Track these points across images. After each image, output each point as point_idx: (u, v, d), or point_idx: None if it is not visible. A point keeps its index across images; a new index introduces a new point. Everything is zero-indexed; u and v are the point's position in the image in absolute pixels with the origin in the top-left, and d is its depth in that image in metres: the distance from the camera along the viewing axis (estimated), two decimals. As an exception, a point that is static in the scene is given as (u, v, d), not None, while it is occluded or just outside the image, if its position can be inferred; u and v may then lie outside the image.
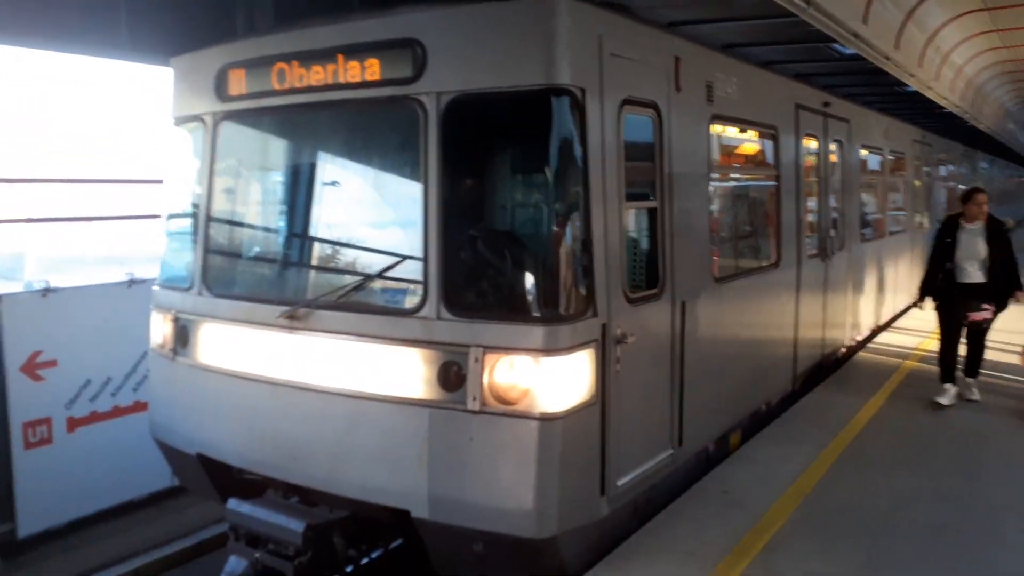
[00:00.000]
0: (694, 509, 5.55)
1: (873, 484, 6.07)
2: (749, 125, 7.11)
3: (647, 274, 5.36)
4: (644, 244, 5.38)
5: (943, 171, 17.40)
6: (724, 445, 6.66)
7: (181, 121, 5.96)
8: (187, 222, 5.86)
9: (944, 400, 7.88)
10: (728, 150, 7.08)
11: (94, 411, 8.63)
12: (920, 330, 11.17)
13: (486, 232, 4.84)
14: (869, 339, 11.19)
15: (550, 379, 4.40)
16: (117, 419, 8.79)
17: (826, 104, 9.02)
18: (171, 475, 8.37)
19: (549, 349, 4.39)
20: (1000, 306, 7.78)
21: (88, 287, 8.78)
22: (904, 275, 12.37)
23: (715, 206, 6.26)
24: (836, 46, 8.30)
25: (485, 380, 4.46)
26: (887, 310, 11.87)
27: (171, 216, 6.21)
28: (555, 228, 4.63)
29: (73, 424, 8.41)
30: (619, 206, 4.85)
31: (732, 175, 7.22)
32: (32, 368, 7.98)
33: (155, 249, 6.61)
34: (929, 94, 12.55)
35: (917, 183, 14.08)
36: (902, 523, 5.41)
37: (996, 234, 7.71)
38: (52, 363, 8.08)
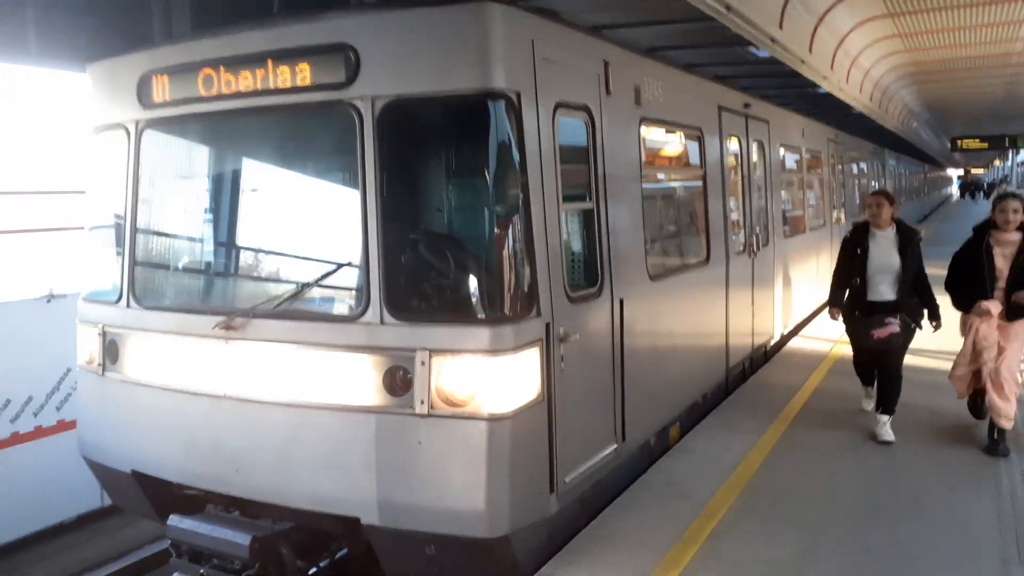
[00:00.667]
0: (641, 501, 5.64)
1: (809, 468, 6.27)
2: (676, 127, 7.26)
3: (586, 273, 5.41)
4: (582, 244, 5.42)
5: (855, 168, 18.12)
6: (665, 438, 6.78)
7: (101, 129, 5.70)
8: (112, 233, 5.63)
9: (870, 405, 7.31)
10: (657, 151, 7.22)
11: (15, 432, 8.28)
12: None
13: (427, 235, 4.81)
14: (797, 330, 11.56)
15: (497, 380, 4.40)
16: (41, 440, 8.45)
17: (747, 105, 9.29)
18: (101, 495, 8.09)
19: (495, 350, 4.39)
20: (909, 325, 6.71)
21: (4, 304, 8.40)
22: (825, 267, 12.80)
23: (647, 205, 6.36)
24: (753, 49, 8.57)
25: (432, 383, 4.42)
26: (812, 301, 12.28)
27: (95, 227, 5.94)
28: (496, 230, 4.63)
29: (-7, 447, 8.04)
30: (557, 207, 4.88)
31: (662, 175, 7.35)
32: (-55, 390, 7.61)
33: (78, 262, 6.34)
34: (841, 95, 13.06)
35: (833, 180, 14.63)
36: (838, 504, 5.60)
37: (908, 243, 6.76)
38: (-34, 384, 7.74)
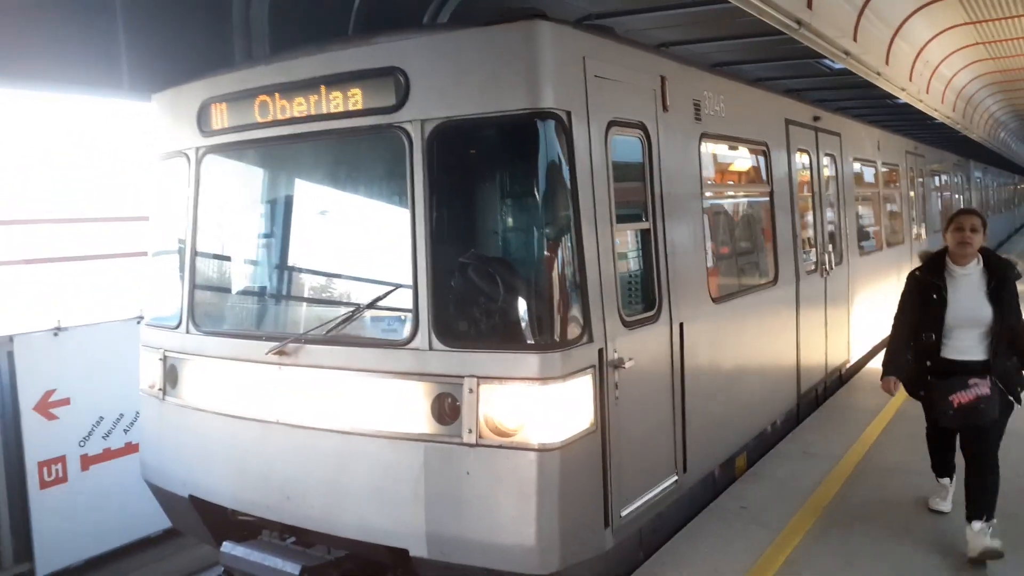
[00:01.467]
0: (714, 526, 5.30)
1: (890, 495, 5.76)
2: (739, 142, 6.78)
3: (643, 296, 5.02)
4: (638, 266, 5.04)
5: (937, 181, 16.99)
6: (730, 469, 6.27)
7: (164, 156, 5.66)
8: (173, 258, 5.56)
9: (944, 506, 5.37)
10: (719, 168, 6.74)
11: (107, 448, 8.36)
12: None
13: (476, 259, 4.52)
14: (875, 351, 10.75)
15: (547, 409, 4.07)
16: (130, 455, 8.53)
17: (816, 118, 8.68)
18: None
19: (545, 377, 4.06)
20: (1004, 393, 4.70)
21: (98, 325, 8.54)
22: None
23: (709, 224, 5.92)
24: (826, 62, 8.04)
25: (480, 411, 4.13)
26: (891, 321, 11.45)
27: (157, 253, 5.89)
28: (546, 252, 4.32)
29: (87, 462, 8.15)
30: (610, 228, 4.53)
31: (724, 193, 6.87)
32: (46, 407, 7.73)
33: (144, 286, 6.34)
34: (920, 106, 12.26)
35: (912, 195, 13.68)
36: (920, 533, 5.10)
37: (1003, 283, 4.71)
38: (65, 401, 7.83)
